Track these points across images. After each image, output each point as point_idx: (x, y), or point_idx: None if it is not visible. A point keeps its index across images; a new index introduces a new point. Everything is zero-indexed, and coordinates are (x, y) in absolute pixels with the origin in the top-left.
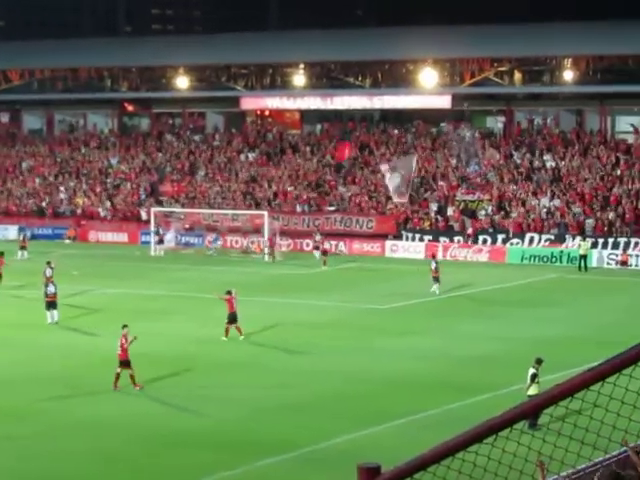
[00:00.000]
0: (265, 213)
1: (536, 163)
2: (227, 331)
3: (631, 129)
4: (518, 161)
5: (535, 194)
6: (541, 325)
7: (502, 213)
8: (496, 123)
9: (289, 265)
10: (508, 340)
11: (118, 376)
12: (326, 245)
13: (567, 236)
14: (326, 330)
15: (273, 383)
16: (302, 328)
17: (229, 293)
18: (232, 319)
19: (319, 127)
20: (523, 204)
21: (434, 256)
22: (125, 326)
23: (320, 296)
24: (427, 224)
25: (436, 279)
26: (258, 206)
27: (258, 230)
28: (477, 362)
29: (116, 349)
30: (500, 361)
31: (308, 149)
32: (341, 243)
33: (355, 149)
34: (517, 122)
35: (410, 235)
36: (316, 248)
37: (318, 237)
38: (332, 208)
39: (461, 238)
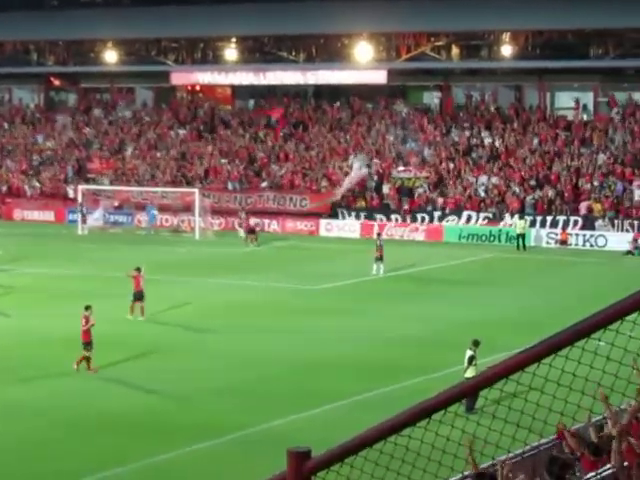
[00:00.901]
0: (196, 191)
1: (474, 140)
2: (132, 309)
3: (572, 104)
4: (456, 138)
5: (473, 172)
6: (478, 306)
7: (439, 191)
8: (433, 99)
9: (220, 244)
10: (444, 321)
11: (87, 359)
12: (252, 222)
13: (505, 215)
14: (254, 311)
15: (198, 367)
16: (229, 309)
17: (138, 270)
18: (137, 297)
19: (251, 103)
20: (461, 182)
21: (379, 234)
22: (88, 307)
23: (250, 276)
24: (362, 202)
25: (379, 259)
26: (189, 184)
27: (189, 208)
28: (412, 344)
29: (77, 330)
30: (436, 343)
31: (240, 125)
32: (274, 222)
33: (288, 124)
34: (454, 98)
35: (345, 213)
36: (241, 226)
37: (243, 215)
38: (264, 185)
39: (398, 216)
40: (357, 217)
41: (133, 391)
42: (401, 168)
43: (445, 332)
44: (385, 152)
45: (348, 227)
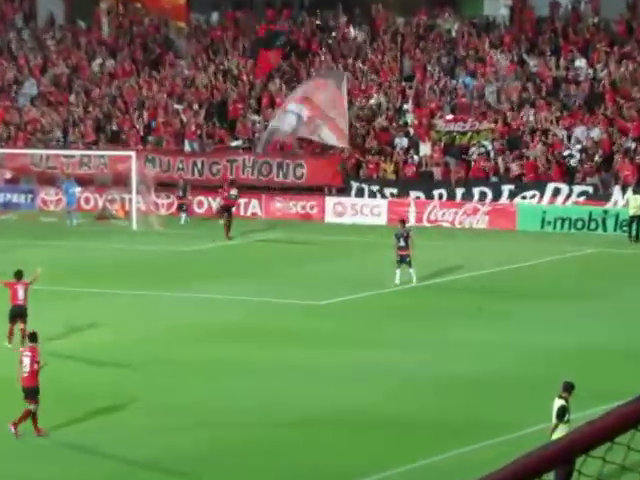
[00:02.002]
0: (132, 154)
1: (563, 72)
2: (11, 333)
3: None
4: (534, 69)
5: (563, 122)
6: (570, 329)
7: (509, 152)
8: (500, 9)
9: (170, 237)
10: (518, 353)
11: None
12: (233, 193)
13: (614, 188)
14: (225, 339)
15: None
16: (187, 337)
17: (17, 276)
18: (14, 315)
19: (215, 17)
20: (544, 137)
21: (404, 222)
22: (33, 337)
23: (219, 286)
24: (390, 170)
25: (404, 259)
26: (121, 144)
27: (122, 181)
28: (471, 389)
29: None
30: (507, 387)
31: (200, 53)
32: (254, 201)
33: (273, 49)
34: (532, 7)
35: (364, 188)
36: (180, 207)
37: (181, 190)
38: (236, 143)
39: (444, 192)
40: (382, 193)
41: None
42: (450, 117)
43: (517, 371)
44: (425, 92)
45: (368, 209)
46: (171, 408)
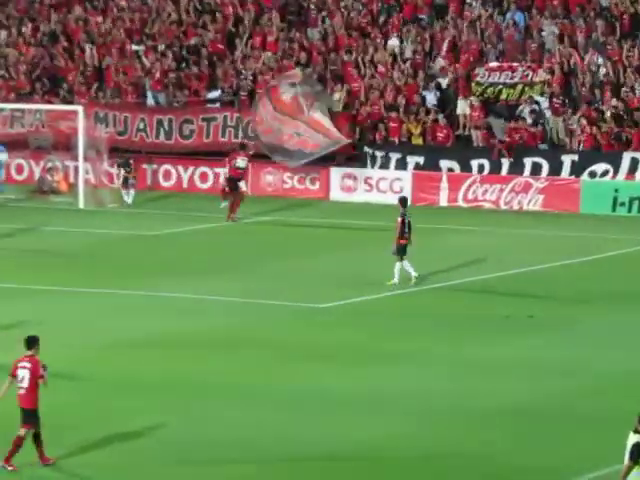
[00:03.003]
0: (79, 109)
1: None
2: None
3: None
4: (607, 4)
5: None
6: None
7: (571, 112)
8: None
9: (127, 218)
10: (578, 375)
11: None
12: (240, 163)
13: None
14: (200, 352)
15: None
16: (152, 350)
17: None
18: None
19: None
20: (617, 94)
21: (405, 201)
22: (31, 343)
23: (192, 283)
24: (418, 132)
25: (401, 250)
26: (64, 93)
27: (65, 145)
28: (518, 419)
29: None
30: (563, 418)
31: None
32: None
33: None
34: None
35: (380, 155)
36: (125, 183)
37: (119, 166)
38: (214, 95)
39: (486, 163)
40: (403, 164)
41: None
42: (494, 64)
43: (575, 397)
44: (462, 31)
45: (387, 184)
46: (133, 438)
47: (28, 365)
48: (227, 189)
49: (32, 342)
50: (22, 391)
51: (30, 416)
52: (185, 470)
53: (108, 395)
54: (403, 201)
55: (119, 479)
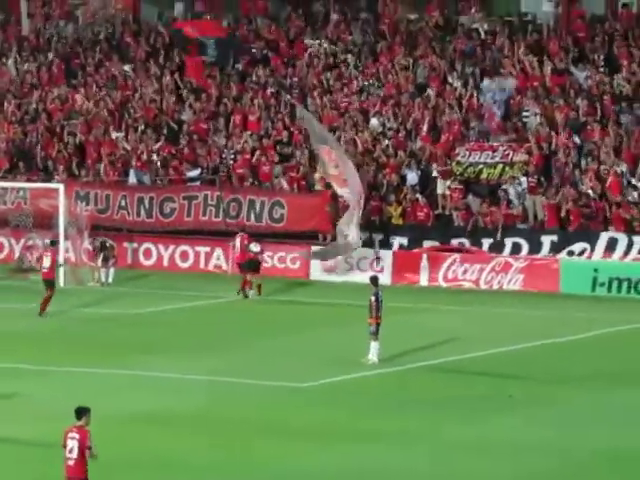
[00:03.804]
0: (60, 187)
1: (622, 82)
2: None
3: None
4: (585, 83)
5: (620, 152)
6: (629, 426)
7: (553, 191)
8: (541, 5)
9: (109, 295)
10: (560, 454)
11: None
12: (253, 248)
13: None
14: (187, 431)
15: None
16: (137, 427)
17: None
18: None
19: (179, 8)
20: (597, 174)
21: (375, 282)
22: (80, 413)
23: (177, 361)
24: (398, 213)
25: (373, 331)
26: (45, 172)
27: (47, 224)
28: None
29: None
30: None
31: (150, 54)
32: (217, 251)
33: (245, 54)
34: (585, 3)
35: (362, 235)
36: (105, 261)
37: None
38: (194, 173)
39: (466, 242)
40: (386, 243)
41: None
42: (471, 146)
43: (563, 477)
44: (440, 113)
45: (367, 263)
46: None
47: (77, 436)
48: (246, 273)
49: (80, 412)
50: (71, 462)
51: None
52: None
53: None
54: (375, 280)
55: None
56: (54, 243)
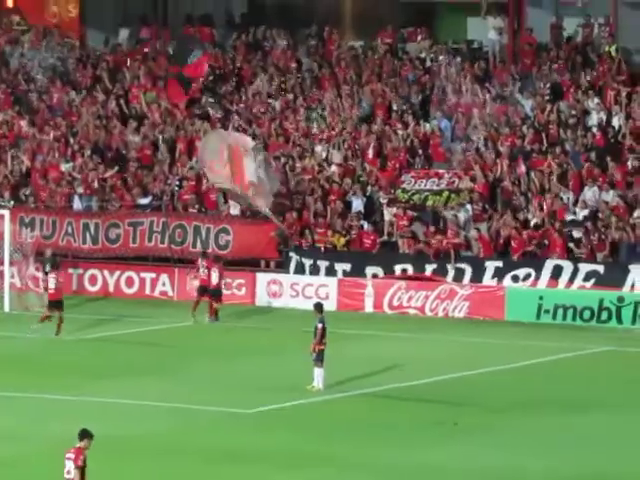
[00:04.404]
0: (6, 213)
1: (570, 114)
2: None
3: None
4: (530, 112)
5: (569, 181)
6: (580, 452)
7: (498, 218)
8: (487, 33)
9: (54, 322)
10: None
11: None
12: (214, 276)
13: (632, 266)
14: (131, 458)
15: None
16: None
17: None
18: None
19: (123, 35)
20: (541, 202)
21: (320, 309)
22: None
23: (121, 386)
24: (341, 240)
25: (318, 357)
26: None
27: None
28: None
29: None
30: None
31: (98, 81)
32: (163, 277)
33: (193, 78)
34: (529, 29)
35: (307, 263)
36: (44, 284)
37: (50, 264)
38: (145, 201)
39: (411, 268)
40: (331, 271)
41: None
42: (417, 173)
43: None
44: (389, 138)
45: (313, 290)
46: None
47: (72, 456)
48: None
49: (82, 435)
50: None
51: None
52: None
53: None
54: (319, 307)
55: None
56: (55, 265)
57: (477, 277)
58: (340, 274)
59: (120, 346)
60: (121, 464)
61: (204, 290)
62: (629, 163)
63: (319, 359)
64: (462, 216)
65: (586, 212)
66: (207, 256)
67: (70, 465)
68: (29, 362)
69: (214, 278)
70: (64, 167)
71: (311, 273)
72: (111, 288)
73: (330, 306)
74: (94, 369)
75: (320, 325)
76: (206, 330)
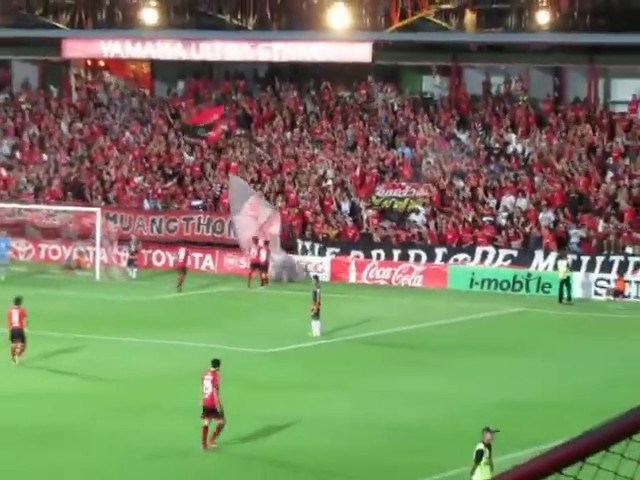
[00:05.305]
0: (97, 210)
1: (495, 145)
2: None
3: (631, 97)
4: (468, 143)
5: (492, 191)
6: (497, 383)
7: (443, 218)
8: (436, 86)
9: (131, 288)
10: (448, 404)
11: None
12: (135, 255)
13: (537, 252)
14: (176, 384)
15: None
16: (138, 382)
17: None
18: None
19: (181, 86)
20: (473, 206)
21: (317, 279)
22: (215, 363)
23: (165, 334)
24: (333, 232)
25: (316, 314)
26: (87, 200)
27: (87, 235)
28: (399, 435)
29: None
30: (432, 434)
31: (162, 118)
32: (208, 256)
33: (230, 119)
34: (467, 85)
35: (309, 246)
36: (130, 262)
37: (133, 246)
38: (197, 203)
39: (382, 253)
40: (323, 252)
41: None
42: (386, 185)
43: (444, 419)
44: (367, 160)
45: (313, 266)
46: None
47: (210, 377)
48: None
49: (214, 362)
50: (206, 395)
51: (214, 412)
52: None
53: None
54: (317, 278)
55: None
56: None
57: (430, 259)
58: (332, 255)
59: (179, 303)
60: (155, 388)
61: (255, 265)
62: (536, 179)
63: (317, 315)
64: (418, 217)
65: (505, 214)
66: (256, 241)
67: (208, 384)
68: (116, 315)
69: (262, 256)
70: (137, 179)
71: (312, 254)
72: (170, 263)
73: (325, 277)
74: (161, 320)
75: (317, 290)
76: (238, 292)
